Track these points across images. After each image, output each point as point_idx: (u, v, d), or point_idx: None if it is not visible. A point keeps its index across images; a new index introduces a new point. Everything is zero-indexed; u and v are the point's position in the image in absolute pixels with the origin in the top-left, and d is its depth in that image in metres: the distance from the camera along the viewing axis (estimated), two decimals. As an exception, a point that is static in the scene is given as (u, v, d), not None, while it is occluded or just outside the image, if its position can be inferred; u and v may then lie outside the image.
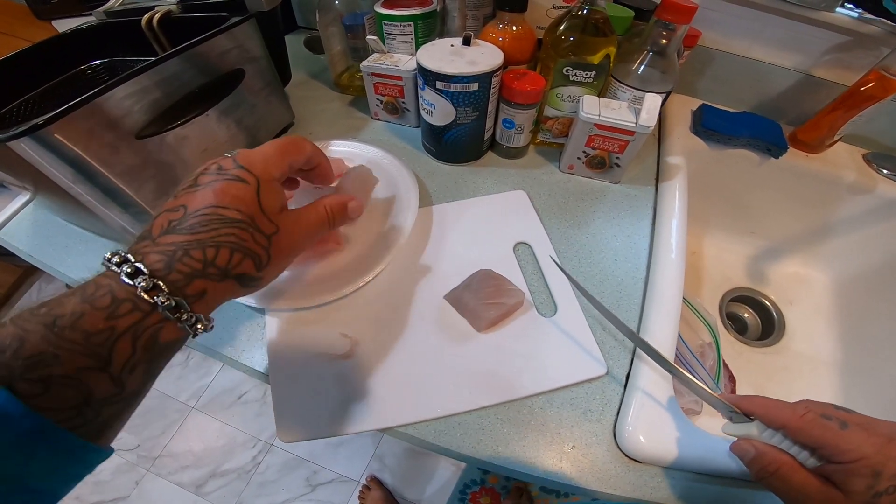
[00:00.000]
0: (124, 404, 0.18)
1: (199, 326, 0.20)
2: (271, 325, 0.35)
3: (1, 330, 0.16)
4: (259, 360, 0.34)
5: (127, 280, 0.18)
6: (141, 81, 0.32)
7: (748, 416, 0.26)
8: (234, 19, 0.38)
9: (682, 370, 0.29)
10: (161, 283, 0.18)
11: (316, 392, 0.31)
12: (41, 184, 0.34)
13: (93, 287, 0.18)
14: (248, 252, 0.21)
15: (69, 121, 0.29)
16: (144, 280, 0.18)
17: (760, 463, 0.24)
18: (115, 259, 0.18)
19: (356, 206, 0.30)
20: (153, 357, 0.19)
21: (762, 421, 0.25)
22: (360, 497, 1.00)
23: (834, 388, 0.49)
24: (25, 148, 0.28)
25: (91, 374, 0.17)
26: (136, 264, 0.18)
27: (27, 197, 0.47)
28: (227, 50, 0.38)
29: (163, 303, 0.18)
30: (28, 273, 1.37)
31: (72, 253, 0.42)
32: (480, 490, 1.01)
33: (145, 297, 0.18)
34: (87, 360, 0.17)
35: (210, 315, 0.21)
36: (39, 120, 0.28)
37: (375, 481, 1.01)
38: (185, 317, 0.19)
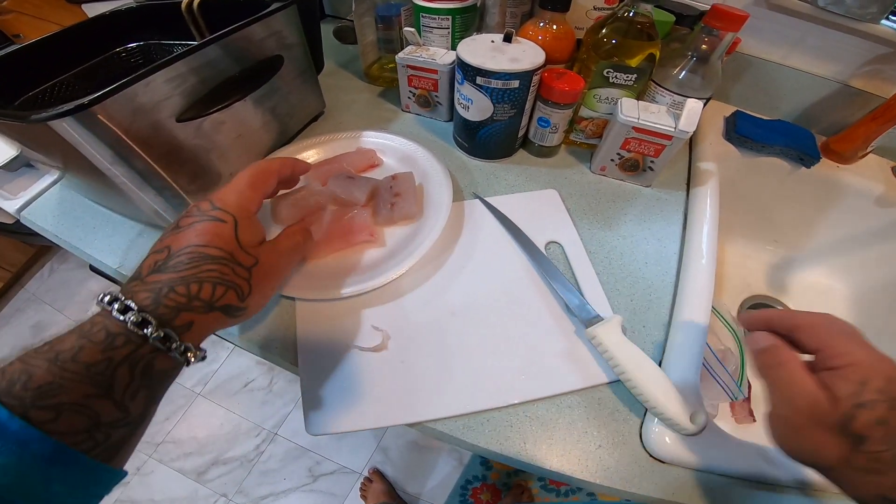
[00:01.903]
0: (131, 428, 0.20)
1: (189, 355, 0.21)
2: (302, 315, 0.35)
3: (8, 367, 0.18)
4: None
5: (118, 316, 0.19)
6: (185, 64, 0.32)
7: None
8: (276, 5, 0.38)
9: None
10: (149, 317, 0.20)
11: (346, 384, 0.31)
12: (73, 164, 0.34)
13: (89, 325, 0.20)
14: (230, 284, 0.23)
15: (113, 102, 0.29)
16: (134, 315, 0.19)
17: (773, 353, 0.24)
18: (107, 298, 0.20)
19: (316, 229, 0.34)
20: (152, 383, 0.21)
21: (775, 329, 0.25)
22: (361, 489, 1.00)
23: None
24: (67, 128, 0.28)
25: (96, 401, 0.18)
26: (126, 302, 0.20)
27: (54, 177, 0.46)
28: (266, 36, 0.38)
29: (152, 334, 0.20)
30: (41, 253, 1.37)
31: (98, 234, 0.42)
32: (482, 486, 1.02)
33: (136, 330, 0.19)
34: (91, 387, 0.18)
35: (201, 345, 0.23)
36: (84, 100, 0.27)
37: (378, 474, 1.02)
38: (174, 346, 0.20)
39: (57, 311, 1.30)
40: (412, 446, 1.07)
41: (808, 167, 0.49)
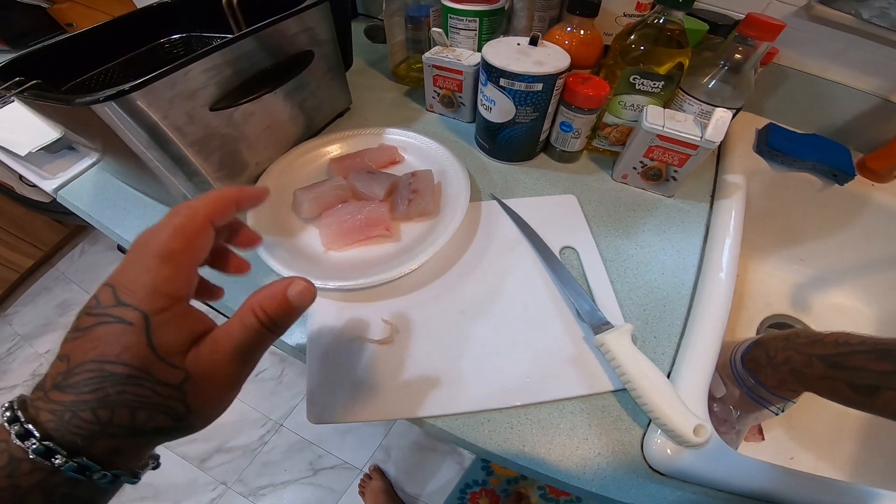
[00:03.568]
0: None
1: (123, 479, 0.17)
2: (314, 302, 0.36)
3: None
4: (297, 337, 0.34)
5: (17, 442, 0.15)
6: (220, 56, 0.34)
7: None
8: (309, 2, 0.39)
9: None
10: (55, 446, 0.16)
11: (350, 375, 0.32)
12: (111, 147, 0.35)
13: None
14: (154, 408, 0.17)
15: (152, 89, 0.30)
16: (35, 443, 0.15)
17: None
18: (7, 414, 0.16)
19: (303, 288, 0.20)
20: None
21: None
22: (360, 486, 1.00)
23: (862, 419, 0.47)
24: (109, 112, 0.30)
25: None
26: (27, 425, 0.16)
27: (93, 160, 0.49)
28: (298, 31, 0.39)
29: (63, 465, 0.16)
30: (73, 234, 1.43)
31: (129, 216, 0.44)
32: (481, 491, 1.01)
33: (41, 460, 0.15)
34: None
35: (147, 458, 0.19)
36: (125, 86, 0.29)
37: (378, 472, 1.02)
38: (97, 476, 0.16)
39: (84, 291, 1.34)
40: (415, 447, 1.07)
41: (842, 184, 0.47)
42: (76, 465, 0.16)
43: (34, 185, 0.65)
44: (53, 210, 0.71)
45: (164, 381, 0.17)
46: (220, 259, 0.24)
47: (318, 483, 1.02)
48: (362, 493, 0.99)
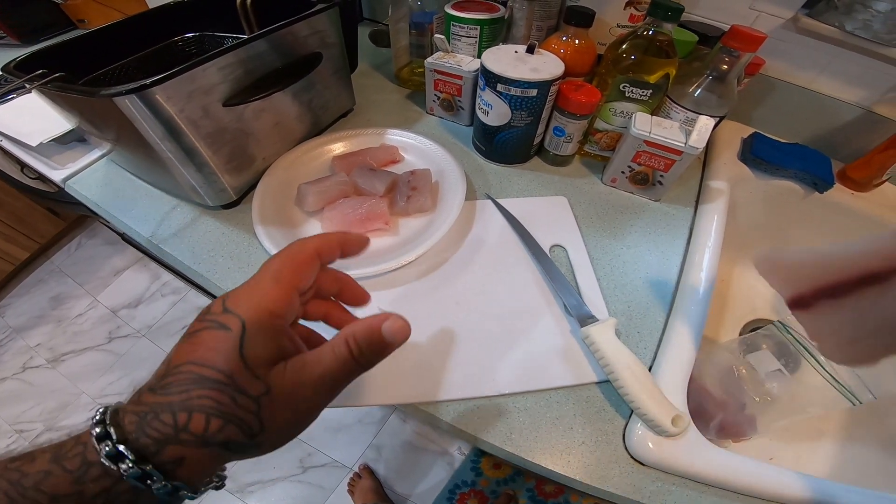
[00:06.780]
0: None
1: (182, 493, 0.17)
2: (315, 292, 0.37)
3: None
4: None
5: (94, 444, 0.16)
6: (236, 55, 0.36)
7: None
8: (321, 6, 0.41)
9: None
10: (124, 450, 0.16)
11: None
12: (125, 138, 0.37)
13: (71, 444, 0.16)
14: (229, 418, 0.17)
15: (171, 85, 0.32)
16: (108, 445, 0.16)
17: None
18: (97, 417, 0.17)
19: (399, 327, 0.20)
20: None
21: None
22: (349, 484, 1.00)
23: (842, 419, 0.48)
24: (129, 105, 0.32)
25: None
26: (109, 428, 0.16)
27: (103, 151, 0.50)
28: (309, 34, 0.41)
29: (127, 470, 0.16)
30: (71, 227, 1.42)
31: (136, 206, 0.45)
32: (470, 492, 1.02)
33: (110, 464, 0.16)
34: None
35: (211, 475, 0.19)
36: (147, 81, 0.31)
37: (367, 471, 1.01)
38: (157, 486, 0.16)
39: (78, 284, 1.34)
40: (406, 446, 1.07)
41: (822, 192, 0.49)
42: (140, 472, 0.16)
43: (37, 178, 0.66)
44: (58, 200, 0.72)
45: (245, 390, 0.17)
46: (334, 317, 0.25)
47: (308, 481, 1.02)
48: (351, 492, 0.99)
